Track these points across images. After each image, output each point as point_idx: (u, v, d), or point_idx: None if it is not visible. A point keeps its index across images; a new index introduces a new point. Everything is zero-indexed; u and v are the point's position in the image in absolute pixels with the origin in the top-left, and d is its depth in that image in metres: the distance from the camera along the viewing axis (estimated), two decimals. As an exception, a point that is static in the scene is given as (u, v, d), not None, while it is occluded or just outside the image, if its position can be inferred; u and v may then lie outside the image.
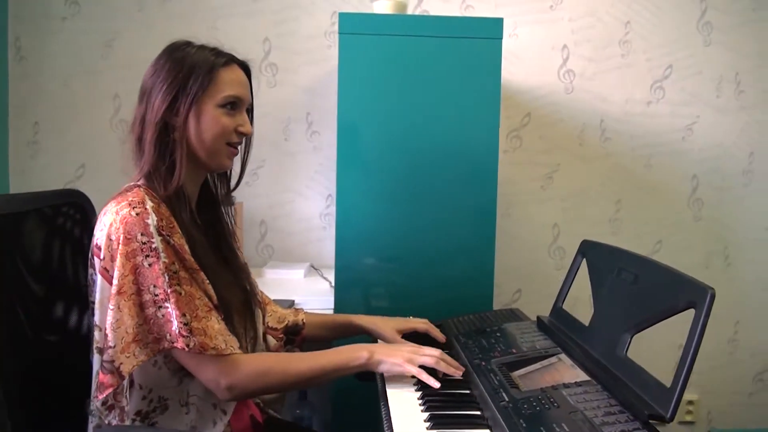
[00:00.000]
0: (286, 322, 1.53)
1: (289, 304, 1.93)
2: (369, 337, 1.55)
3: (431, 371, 1.27)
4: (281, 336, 1.51)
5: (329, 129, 2.50)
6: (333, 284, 2.19)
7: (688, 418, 2.75)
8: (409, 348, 1.32)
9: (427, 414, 1.16)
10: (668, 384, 1.02)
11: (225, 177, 1.42)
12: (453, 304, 1.87)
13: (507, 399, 1.16)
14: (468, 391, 1.27)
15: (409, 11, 2.29)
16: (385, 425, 1.14)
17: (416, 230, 1.89)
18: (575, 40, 2.57)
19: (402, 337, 1.51)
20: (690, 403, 2.76)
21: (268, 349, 1.46)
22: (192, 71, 1.24)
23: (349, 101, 1.85)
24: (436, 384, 1.25)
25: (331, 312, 1.92)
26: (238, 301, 1.34)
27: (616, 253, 1.40)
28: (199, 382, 1.21)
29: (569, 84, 2.58)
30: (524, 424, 1.05)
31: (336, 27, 2.46)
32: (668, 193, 2.66)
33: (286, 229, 2.53)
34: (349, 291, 1.90)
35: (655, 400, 1.03)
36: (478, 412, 1.17)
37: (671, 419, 1.02)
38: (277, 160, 2.52)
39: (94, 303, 1.20)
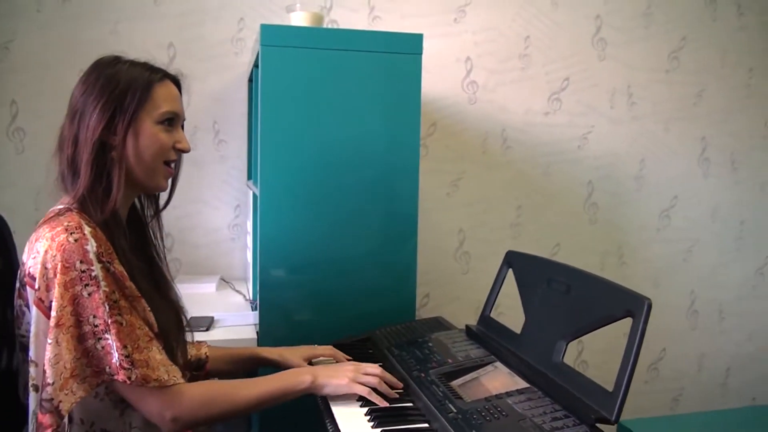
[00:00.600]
0: (188, 357, 1.48)
1: (209, 321, 1.90)
2: (277, 368, 1.53)
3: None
4: (185, 373, 1.46)
5: (237, 138, 2.49)
6: (247, 297, 2.19)
7: (587, 409, 2.92)
8: (351, 367, 1.34)
9: (372, 423, 1.20)
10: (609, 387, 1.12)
11: (154, 197, 1.39)
12: (377, 314, 1.88)
13: (455, 410, 1.21)
14: (412, 404, 1.30)
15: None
16: None
17: (339, 241, 1.88)
18: (478, 52, 2.66)
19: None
20: None
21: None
22: (128, 88, 1.21)
23: (271, 113, 1.81)
24: (384, 403, 1.28)
25: (253, 328, 1.90)
26: (174, 327, 1.32)
27: (543, 264, 1.49)
28: (140, 415, 1.18)
29: (473, 95, 2.66)
30: None
31: (243, 33, 2.47)
32: (565, 198, 2.80)
33: (194, 242, 2.50)
34: (272, 305, 1.86)
35: (599, 403, 1.12)
36: (426, 425, 1.20)
37: (616, 421, 1.10)
38: (183, 170, 2.43)
39: (25, 337, 1.15)
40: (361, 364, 1.37)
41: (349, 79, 1.86)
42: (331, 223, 1.87)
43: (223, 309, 2.05)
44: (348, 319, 1.85)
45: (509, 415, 1.15)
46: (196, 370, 1.51)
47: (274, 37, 1.80)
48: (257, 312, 1.91)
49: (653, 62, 2.86)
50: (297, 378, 1.29)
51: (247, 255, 2.36)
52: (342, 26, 2.52)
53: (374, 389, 1.30)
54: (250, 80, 2.34)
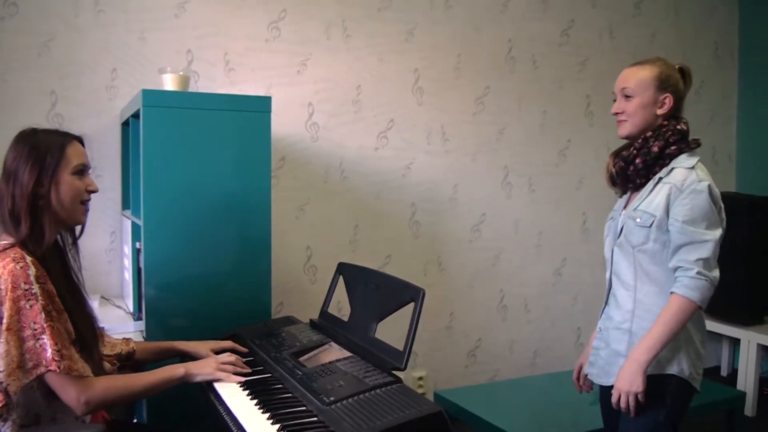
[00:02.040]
0: (119, 351, 1.95)
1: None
2: (191, 358, 2.00)
3: None
4: (115, 362, 1.93)
5: (111, 172, 2.88)
6: (128, 311, 2.63)
7: (420, 390, 3.53)
8: (213, 359, 1.86)
9: (246, 392, 1.71)
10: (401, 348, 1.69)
11: (71, 230, 1.81)
12: (241, 317, 2.37)
13: (301, 374, 1.74)
14: (271, 375, 1.83)
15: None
16: (219, 406, 1.66)
17: (208, 260, 2.36)
18: (318, 99, 3.22)
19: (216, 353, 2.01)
20: (420, 378, 3.54)
21: (104, 372, 1.84)
22: (48, 151, 1.66)
23: (151, 158, 2.27)
24: (239, 379, 1.79)
25: (138, 334, 2.35)
26: (91, 332, 1.76)
27: (364, 271, 2.08)
28: (63, 403, 1.61)
29: (315, 134, 3.22)
30: (315, 385, 1.63)
31: (115, 82, 2.89)
32: (394, 217, 3.42)
33: (76, 263, 2.90)
34: (155, 314, 2.30)
35: (394, 358, 1.69)
36: (281, 385, 1.73)
37: (405, 368, 1.66)
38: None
39: None
40: (219, 356, 1.90)
41: (214, 131, 2.38)
42: (201, 246, 2.36)
43: (108, 322, 2.44)
44: (218, 322, 2.32)
45: (337, 372, 1.71)
46: (126, 360, 1.96)
47: (153, 99, 2.30)
48: (140, 321, 2.39)
49: (462, 106, 3.54)
50: (174, 371, 1.80)
51: (125, 275, 2.79)
52: (202, 77, 3.00)
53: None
54: (125, 124, 2.79)
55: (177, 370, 1.80)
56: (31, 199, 1.64)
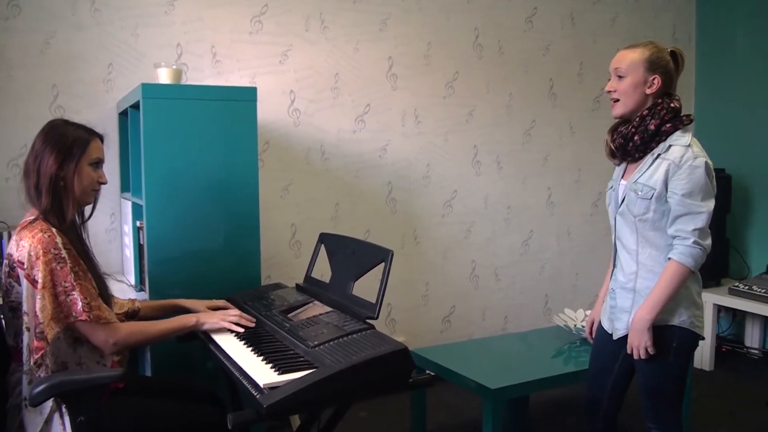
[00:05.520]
0: (126, 309, 2.22)
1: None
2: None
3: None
4: (123, 318, 2.17)
5: (111, 159, 3.10)
6: (130, 284, 2.89)
7: (399, 355, 3.82)
8: (221, 312, 2.17)
9: (242, 341, 1.98)
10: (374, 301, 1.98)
11: (82, 211, 2.08)
12: (233, 287, 2.61)
13: (288, 326, 2.02)
14: (262, 329, 2.09)
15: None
16: (219, 354, 1.92)
17: (204, 236, 2.63)
18: (299, 86, 3.48)
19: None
20: (386, 335, 3.81)
21: None
22: (75, 142, 1.93)
23: (152, 146, 2.53)
24: (241, 330, 2.06)
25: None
26: (105, 290, 2.03)
27: (342, 239, 2.37)
28: (86, 350, 1.88)
29: (297, 119, 3.49)
30: (301, 334, 1.91)
31: (111, 75, 3.13)
32: (372, 195, 3.70)
33: (80, 242, 3.15)
34: (158, 284, 2.56)
35: (368, 309, 1.97)
36: (272, 336, 2.00)
37: (377, 317, 1.94)
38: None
39: (14, 302, 1.86)
40: (226, 310, 2.20)
41: (206, 119, 2.64)
42: (197, 223, 2.63)
43: (113, 292, 2.72)
44: (213, 291, 2.54)
45: (319, 324, 1.99)
46: (131, 317, 2.23)
47: (151, 92, 2.56)
48: (142, 292, 2.67)
49: (434, 90, 3.81)
50: (187, 319, 2.10)
51: (125, 252, 3.05)
52: (191, 68, 3.24)
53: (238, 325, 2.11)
54: (124, 114, 3.04)
55: (189, 319, 2.10)
56: (53, 179, 1.90)
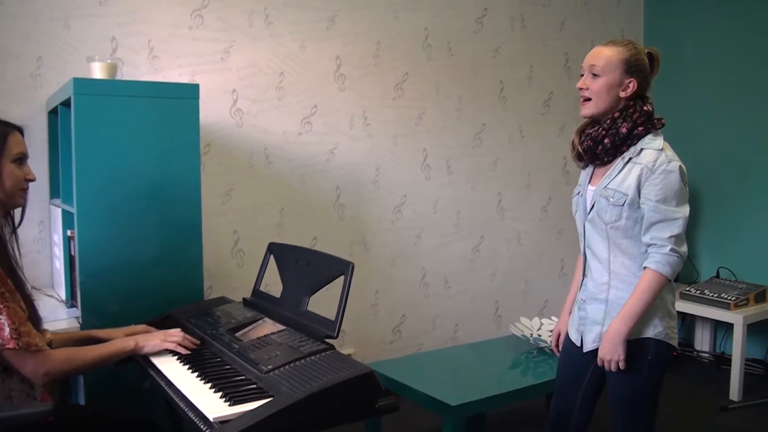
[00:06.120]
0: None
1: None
2: None
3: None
4: None
5: (39, 162, 2.84)
6: (60, 299, 2.64)
7: (347, 367, 3.67)
8: (160, 333, 1.95)
9: (186, 366, 1.79)
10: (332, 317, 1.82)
11: (10, 217, 1.85)
12: (173, 301, 2.42)
13: (238, 347, 1.83)
14: (207, 351, 1.91)
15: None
16: (161, 382, 1.72)
17: (140, 246, 2.41)
18: (242, 85, 3.28)
19: None
20: (349, 356, 3.67)
21: None
22: None
23: (83, 146, 2.31)
24: (186, 351, 1.88)
25: (74, 320, 2.38)
26: (33, 314, 1.80)
27: (294, 249, 2.19)
28: (17, 381, 1.67)
29: (239, 120, 3.29)
30: (253, 356, 1.73)
31: (41, 70, 2.86)
32: (319, 201, 3.53)
33: (0, 252, 2.87)
34: (91, 300, 2.34)
35: (326, 328, 1.81)
36: (219, 359, 1.83)
37: (337, 336, 1.78)
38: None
39: None
40: (166, 330, 1.99)
41: (144, 118, 2.42)
42: (133, 231, 2.41)
43: (41, 310, 2.44)
44: (152, 305, 2.38)
45: (272, 344, 1.81)
46: None
47: (83, 87, 2.33)
48: (74, 308, 2.43)
49: (383, 92, 3.67)
50: (125, 343, 1.90)
51: (55, 264, 2.79)
52: (126, 64, 3.00)
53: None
54: (53, 112, 2.78)
55: (128, 342, 1.89)
56: None
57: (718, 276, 4.11)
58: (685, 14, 4.45)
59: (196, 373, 1.73)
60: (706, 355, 4.28)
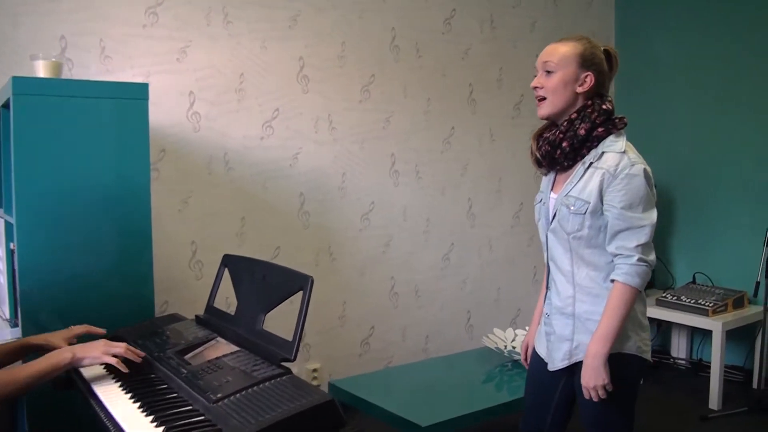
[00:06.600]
0: None
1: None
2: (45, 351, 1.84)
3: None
4: None
5: None
6: (4, 317, 2.43)
7: (315, 382, 3.50)
8: (102, 342, 1.74)
9: (128, 394, 1.61)
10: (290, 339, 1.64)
11: None
12: (122, 317, 2.23)
13: (186, 372, 1.65)
14: (154, 375, 1.73)
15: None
16: (99, 412, 1.54)
17: (85, 259, 2.22)
18: (199, 87, 3.10)
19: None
20: (315, 371, 3.51)
21: None
22: None
23: (23, 152, 2.12)
24: (125, 369, 1.69)
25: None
26: None
27: (249, 262, 2.01)
28: None
29: (197, 123, 3.11)
30: (201, 383, 1.56)
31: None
32: (282, 208, 3.36)
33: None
34: (33, 318, 2.15)
35: (284, 349, 1.63)
36: (165, 386, 1.65)
37: (294, 359, 1.61)
38: None
39: None
40: (108, 341, 1.78)
41: (89, 120, 2.24)
42: (79, 243, 2.22)
43: None
44: (100, 322, 2.11)
45: (224, 368, 1.64)
46: None
47: (23, 87, 2.14)
48: (17, 328, 2.22)
49: (348, 94, 3.52)
50: (60, 356, 1.67)
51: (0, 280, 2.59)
52: (76, 64, 2.82)
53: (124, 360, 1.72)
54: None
55: (64, 355, 1.67)
56: None
57: (694, 281, 4.03)
58: (657, 16, 4.38)
59: (138, 403, 1.55)
60: (683, 362, 4.19)
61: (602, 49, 1.92)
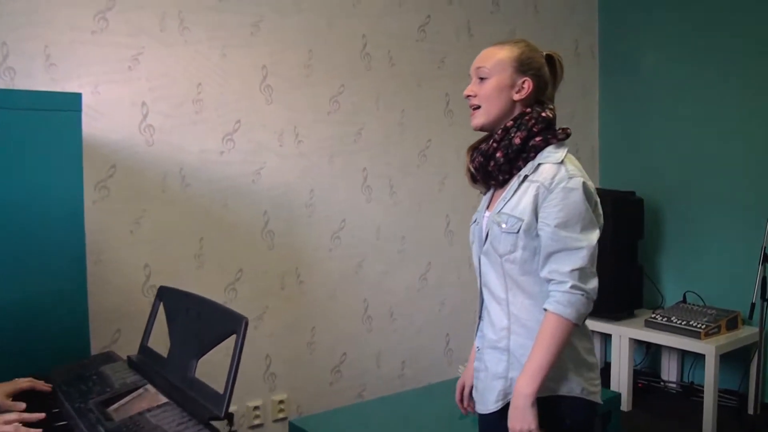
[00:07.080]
0: None
1: None
2: None
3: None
4: None
5: None
6: None
7: (281, 415, 3.25)
8: None
9: None
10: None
11: None
12: (56, 355, 2.00)
13: (104, 430, 1.41)
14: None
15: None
16: None
17: (12, 292, 1.98)
18: (153, 97, 2.87)
19: (13, 398, 1.64)
20: (281, 402, 3.25)
21: None
22: None
23: None
24: None
25: None
26: None
27: (185, 296, 1.77)
28: None
29: (150, 137, 2.87)
30: None
31: None
32: (244, 227, 3.12)
33: None
34: None
35: (213, 404, 1.40)
36: None
37: (225, 417, 1.38)
38: None
39: None
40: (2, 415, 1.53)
41: (13, 134, 2.00)
42: (2, 273, 1.96)
43: None
44: (30, 363, 1.93)
45: (145, 427, 1.40)
46: None
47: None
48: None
49: (316, 105, 3.30)
50: None
51: None
52: (19, 74, 2.57)
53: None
54: None
55: None
56: None
57: (685, 301, 3.82)
58: (641, 23, 4.21)
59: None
60: (674, 385, 3.98)
61: (544, 54, 1.75)
